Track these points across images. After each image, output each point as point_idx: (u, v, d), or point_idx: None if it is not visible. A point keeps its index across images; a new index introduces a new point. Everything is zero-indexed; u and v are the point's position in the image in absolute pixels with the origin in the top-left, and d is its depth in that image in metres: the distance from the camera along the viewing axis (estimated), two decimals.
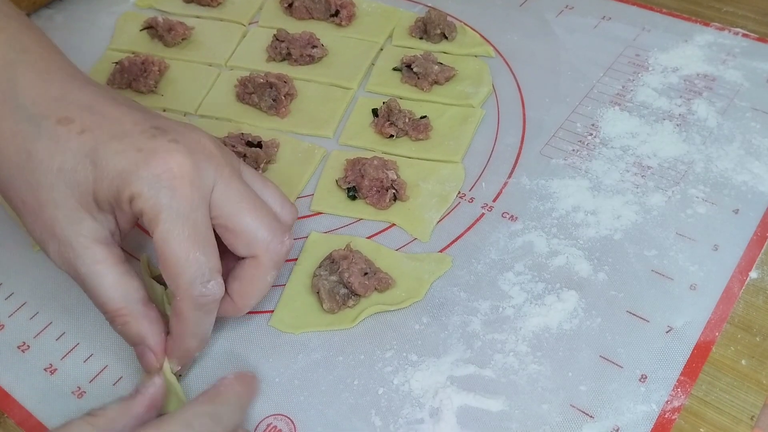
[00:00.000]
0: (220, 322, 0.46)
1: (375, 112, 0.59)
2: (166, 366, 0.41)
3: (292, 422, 0.41)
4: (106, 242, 0.40)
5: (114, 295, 0.39)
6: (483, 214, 0.52)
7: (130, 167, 0.37)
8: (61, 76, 0.41)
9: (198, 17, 0.71)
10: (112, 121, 0.39)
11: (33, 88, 0.40)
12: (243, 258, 0.42)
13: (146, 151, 0.38)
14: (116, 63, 0.63)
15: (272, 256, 0.41)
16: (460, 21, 0.68)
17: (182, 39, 0.67)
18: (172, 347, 0.41)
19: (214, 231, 0.40)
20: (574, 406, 0.41)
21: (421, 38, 0.66)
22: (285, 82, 0.60)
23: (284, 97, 0.59)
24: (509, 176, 0.54)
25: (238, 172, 0.42)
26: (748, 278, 0.47)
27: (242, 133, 0.56)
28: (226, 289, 0.41)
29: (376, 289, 0.46)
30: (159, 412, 0.39)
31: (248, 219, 0.40)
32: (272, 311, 0.47)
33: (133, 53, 0.65)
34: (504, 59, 0.65)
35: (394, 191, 0.52)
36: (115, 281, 0.39)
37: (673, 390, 0.42)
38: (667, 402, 0.41)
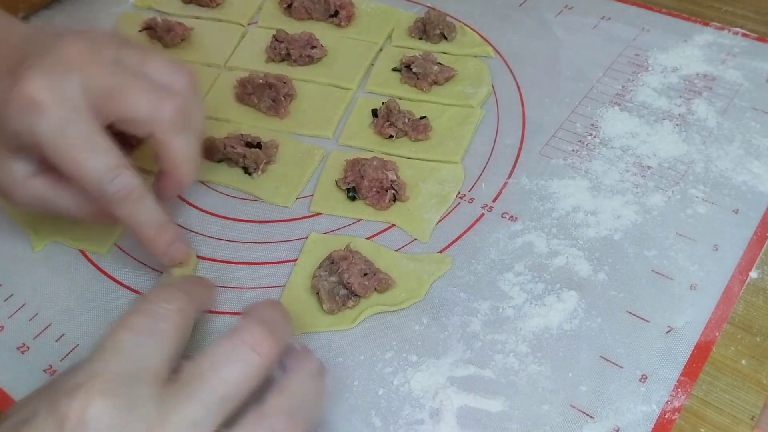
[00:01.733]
0: (219, 323, 0.46)
1: (374, 112, 0.59)
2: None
3: None
4: (40, 172, 0.42)
5: (88, 179, 0.40)
6: (483, 214, 0.52)
7: (3, 103, 0.39)
8: None
9: (197, 18, 0.71)
10: (6, 49, 0.42)
11: None
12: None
13: (9, 88, 0.39)
14: None
15: (163, 125, 0.42)
16: (460, 21, 0.68)
17: (181, 40, 0.67)
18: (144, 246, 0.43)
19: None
20: (574, 407, 0.41)
21: (420, 38, 0.66)
22: (284, 82, 0.60)
23: (283, 97, 0.59)
24: (509, 176, 0.54)
25: (113, 62, 0.42)
26: (749, 278, 0.47)
27: (241, 134, 0.56)
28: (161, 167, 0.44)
29: (375, 289, 0.46)
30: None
31: (124, 105, 0.41)
32: None
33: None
34: (503, 59, 0.65)
35: (393, 192, 0.52)
36: (71, 193, 0.43)
37: (673, 390, 0.42)
38: (667, 402, 0.41)
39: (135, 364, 0.32)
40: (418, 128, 0.56)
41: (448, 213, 0.52)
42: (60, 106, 0.39)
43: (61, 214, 0.44)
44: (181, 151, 0.43)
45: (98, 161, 0.40)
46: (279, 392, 0.34)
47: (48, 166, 0.41)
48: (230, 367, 0.32)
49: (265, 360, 0.33)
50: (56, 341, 0.46)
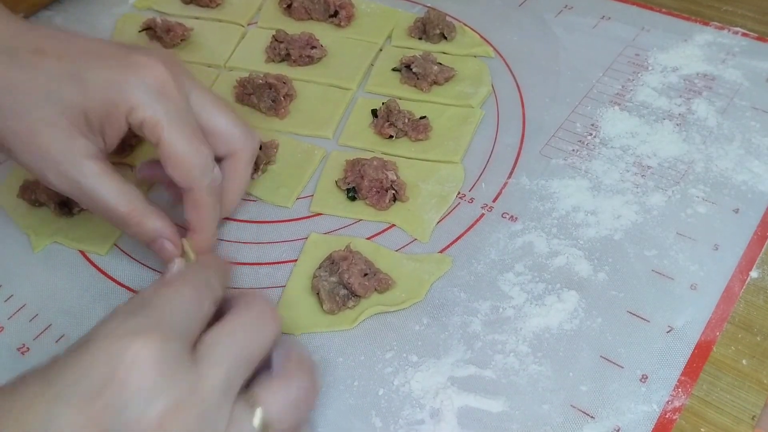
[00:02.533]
0: None
1: (374, 112, 0.59)
2: (189, 253, 0.44)
3: None
4: (100, 158, 0.42)
5: (122, 200, 0.42)
6: (483, 214, 0.52)
7: (120, 79, 0.40)
8: (13, 19, 0.43)
9: (197, 18, 0.71)
10: (83, 47, 0.42)
11: None
12: (221, 160, 0.46)
13: (130, 65, 0.41)
14: None
15: (249, 149, 0.46)
16: (460, 21, 0.68)
17: (181, 40, 0.67)
18: (196, 240, 0.44)
19: None
20: (574, 407, 0.41)
21: (420, 39, 0.66)
22: (284, 82, 0.60)
23: (283, 97, 0.59)
24: (509, 176, 0.54)
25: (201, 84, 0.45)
26: (749, 278, 0.47)
27: None
28: None
29: (376, 290, 0.46)
30: None
31: (224, 119, 0.45)
32: None
33: None
34: (503, 59, 0.65)
35: (393, 192, 0.52)
36: (118, 188, 0.42)
37: (673, 390, 0.42)
38: (667, 402, 0.41)
39: (182, 325, 0.33)
40: (418, 128, 0.56)
41: (449, 213, 0.52)
42: (182, 95, 0.42)
43: (88, 207, 0.44)
44: (247, 178, 0.48)
45: (206, 151, 0.43)
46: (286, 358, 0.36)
47: (106, 156, 0.43)
48: (249, 334, 0.35)
49: (277, 327, 0.36)
50: (56, 342, 0.46)
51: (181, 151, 0.41)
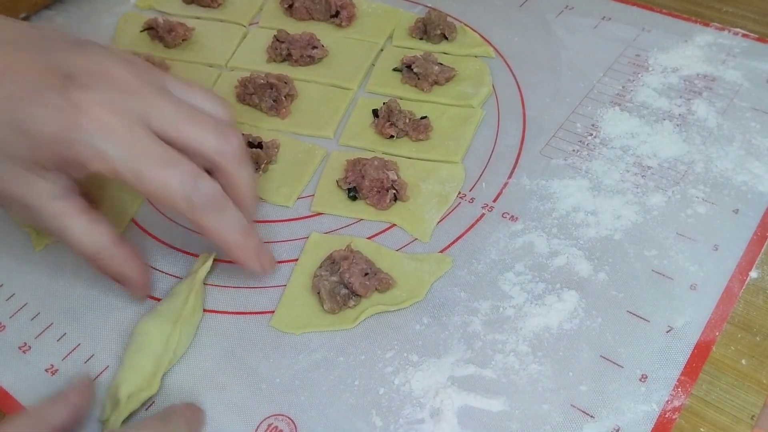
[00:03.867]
0: (219, 322, 0.46)
1: (375, 112, 0.59)
2: (202, 270, 0.45)
3: (293, 422, 0.41)
4: (64, 197, 0.41)
5: (86, 243, 0.42)
6: (483, 214, 0.52)
7: (63, 134, 0.38)
8: None
9: (198, 18, 0.71)
10: (18, 75, 0.39)
11: None
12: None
13: (68, 110, 0.38)
14: None
15: (228, 157, 0.42)
16: (460, 21, 0.68)
17: (183, 40, 0.67)
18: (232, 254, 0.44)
19: None
20: (574, 406, 0.41)
21: (421, 39, 0.66)
22: (285, 82, 0.60)
23: (284, 97, 0.59)
24: (509, 176, 0.54)
25: (163, 89, 0.42)
26: (748, 278, 0.47)
27: (243, 134, 0.56)
28: None
29: (376, 289, 0.47)
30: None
31: (191, 135, 0.41)
32: (273, 312, 0.47)
33: (133, 54, 0.65)
34: (504, 60, 0.65)
35: (394, 192, 0.52)
36: (82, 230, 0.41)
37: (673, 390, 0.42)
38: (667, 402, 0.41)
39: None
40: (419, 128, 0.56)
41: (449, 213, 0.52)
42: (132, 128, 0.39)
43: (72, 248, 0.42)
44: (246, 181, 0.44)
45: (178, 171, 0.40)
46: None
47: (72, 192, 0.42)
48: None
49: None
50: (58, 341, 0.46)
51: (148, 188, 0.40)
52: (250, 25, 0.70)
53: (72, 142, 0.38)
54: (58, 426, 0.38)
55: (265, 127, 0.59)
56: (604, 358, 0.43)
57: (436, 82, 0.61)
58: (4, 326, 0.47)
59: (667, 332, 0.44)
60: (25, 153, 0.39)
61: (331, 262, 0.47)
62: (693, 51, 0.63)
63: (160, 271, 0.49)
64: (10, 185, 0.40)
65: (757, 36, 0.64)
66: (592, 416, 0.41)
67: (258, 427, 0.41)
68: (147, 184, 0.39)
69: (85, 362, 0.45)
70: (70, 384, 0.41)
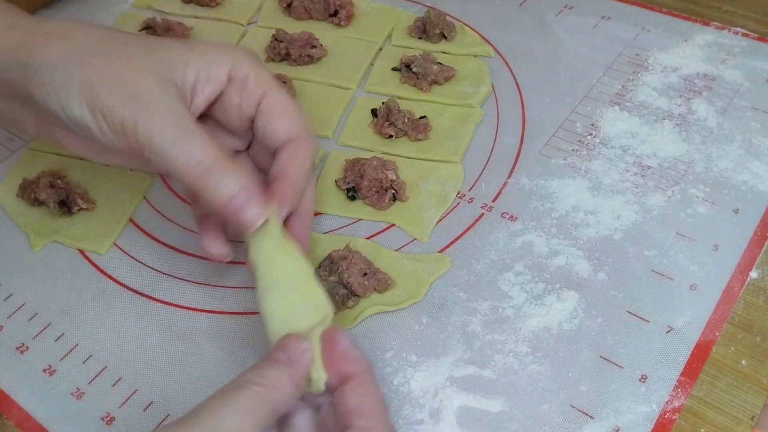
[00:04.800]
0: (220, 322, 0.46)
1: (374, 112, 0.59)
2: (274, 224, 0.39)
3: None
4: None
5: (209, 147, 0.38)
6: (482, 214, 0.52)
7: (221, 47, 0.42)
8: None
9: (197, 17, 0.71)
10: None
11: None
12: (278, 153, 0.42)
13: (223, 44, 0.42)
14: None
15: (311, 139, 0.42)
16: (460, 21, 0.68)
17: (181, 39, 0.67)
18: (284, 196, 0.40)
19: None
20: (574, 407, 0.41)
21: (420, 38, 0.66)
22: (284, 82, 0.60)
23: None
24: (509, 176, 0.54)
25: None
26: (749, 278, 0.47)
27: None
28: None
29: (375, 289, 0.46)
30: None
31: (285, 97, 0.42)
32: None
33: None
34: (503, 59, 0.65)
35: (393, 191, 0.52)
36: (206, 136, 0.38)
37: (673, 390, 0.42)
38: (667, 402, 0.41)
39: None
40: (418, 128, 0.56)
41: (448, 213, 0.52)
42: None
43: (177, 163, 0.38)
44: (308, 164, 0.43)
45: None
46: None
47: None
48: None
49: None
50: (55, 341, 0.46)
51: (287, 100, 0.41)
52: (248, 24, 0.70)
53: (227, 49, 0.42)
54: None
55: None
56: (604, 358, 0.43)
57: (435, 82, 0.61)
58: (2, 326, 0.47)
59: (667, 332, 0.44)
60: (183, 57, 0.40)
61: (330, 262, 0.47)
62: (693, 50, 0.63)
63: (159, 271, 0.49)
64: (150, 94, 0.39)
65: (757, 35, 0.64)
66: (591, 417, 0.41)
67: None
68: (285, 97, 0.42)
69: (83, 362, 0.45)
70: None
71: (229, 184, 0.38)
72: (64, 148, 0.43)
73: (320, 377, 0.35)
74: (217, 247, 0.42)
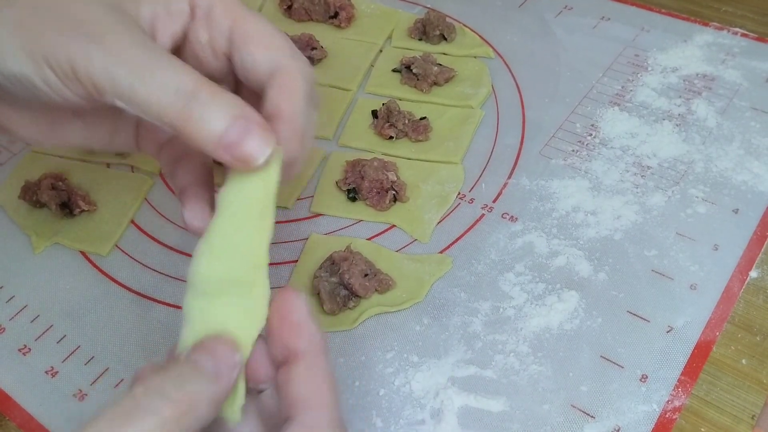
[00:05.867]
0: None
1: (374, 113, 0.59)
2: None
3: None
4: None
5: (187, 71, 0.30)
6: (483, 214, 0.52)
7: None
8: None
9: None
10: None
11: None
12: (265, 91, 0.33)
13: None
14: None
15: (301, 64, 0.33)
16: (460, 22, 0.68)
17: None
18: (284, 132, 0.32)
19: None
20: (575, 407, 0.41)
21: (420, 39, 0.66)
22: None
23: None
24: (509, 177, 0.54)
25: None
26: (748, 278, 0.47)
27: None
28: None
29: (376, 290, 0.47)
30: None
31: (260, 23, 0.33)
32: None
33: None
34: (503, 60, 0.65)
35: (394, 192, 0.52)
36: (182, 62, 0.30)
37: (673, 390, 0.42)
38: (667, 402, 0.41)
39: None
40: (418, 129, 0.56)
41: (449, 213, 0.52)
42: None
43: (158, 92, 0.30)
44: (303, 111, 0.33)
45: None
46: None
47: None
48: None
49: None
50: (57, 343, 0.46)
51: (262, 26, 0.33)
52: None
53: None
54: None
55: None
56: (605, 358, 0.43)
57: (435, 83, 0.61)
58: (4, 328, 0.47)
59: (668, 332, 0.44)
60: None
61: (331, 263, 0.47)
62: (692, 51, 0.63)
63: (161, 272, 0.49)
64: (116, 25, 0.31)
65: (756, 35, 0.64)
66: (592, 416, 0.41)
67: None
68: (260, 23, 0.33)
69: (86, 364, 0.45)
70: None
71: (219, 112, 0.29)
72: (7, 133, 0.35)
73: (238, 404, 0.29)
74: (201, 220, 0.34)
